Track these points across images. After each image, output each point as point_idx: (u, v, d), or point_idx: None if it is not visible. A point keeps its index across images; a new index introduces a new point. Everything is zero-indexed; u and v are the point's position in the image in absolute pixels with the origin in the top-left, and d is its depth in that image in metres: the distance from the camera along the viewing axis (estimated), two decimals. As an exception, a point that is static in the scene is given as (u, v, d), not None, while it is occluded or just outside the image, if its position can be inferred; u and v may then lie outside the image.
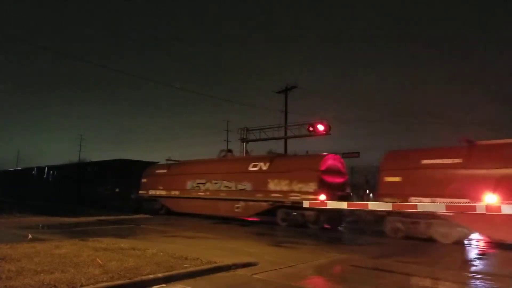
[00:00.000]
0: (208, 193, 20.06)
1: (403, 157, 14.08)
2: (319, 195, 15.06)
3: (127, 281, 5.74)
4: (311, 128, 22.80)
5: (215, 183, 19.87)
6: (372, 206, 13.23)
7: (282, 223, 16.73)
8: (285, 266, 7.64)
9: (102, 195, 27.15)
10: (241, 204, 18.34)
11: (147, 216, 20.63)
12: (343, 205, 14.09)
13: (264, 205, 17.35)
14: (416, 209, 12.01)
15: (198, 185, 20.78)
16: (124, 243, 9.25)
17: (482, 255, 10.24)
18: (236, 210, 18.58)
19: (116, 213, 21.61)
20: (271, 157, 18.70)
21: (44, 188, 36.04)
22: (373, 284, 6.59)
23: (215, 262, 7.30)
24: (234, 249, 9.49)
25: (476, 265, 8.75)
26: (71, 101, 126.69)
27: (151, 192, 23.53)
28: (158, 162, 26.41)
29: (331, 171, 16.49)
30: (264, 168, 18.02)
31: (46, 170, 37.26)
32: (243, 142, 26.60)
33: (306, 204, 15.46)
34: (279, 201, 16.79)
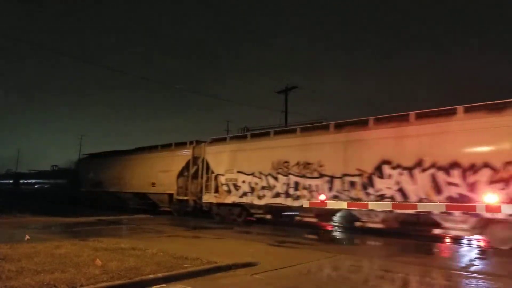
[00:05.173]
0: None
1: None
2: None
3: (127, 281, 5.74)
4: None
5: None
6: (372, 206, 13.33)
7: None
8: (285, 266, 7.62)
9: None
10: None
11: (147, 216, 20.75)
12: (343, 205, 14.24)
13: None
14: (416, 209, 12.21)
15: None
16: (124, 243, 9.24)
17: (482, 255, 10.24)
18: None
19: (116, 213, 21.69)
20: None
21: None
22: (374, 284, 6.59)
23: (215, 262, 7.29)
24: (234, 249, 9.50)
25: (476, 265, 8.75)
26: (71, 102, 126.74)
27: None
28: None
29: None
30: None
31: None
32: (243, 143, 26.54)
33: (306, 204, 15.58)
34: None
